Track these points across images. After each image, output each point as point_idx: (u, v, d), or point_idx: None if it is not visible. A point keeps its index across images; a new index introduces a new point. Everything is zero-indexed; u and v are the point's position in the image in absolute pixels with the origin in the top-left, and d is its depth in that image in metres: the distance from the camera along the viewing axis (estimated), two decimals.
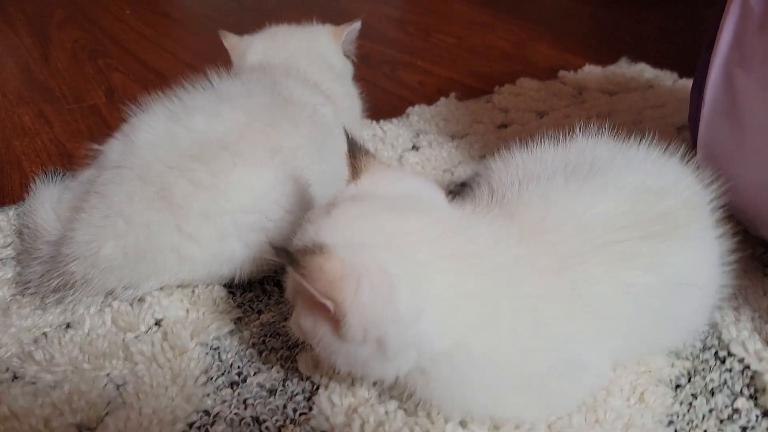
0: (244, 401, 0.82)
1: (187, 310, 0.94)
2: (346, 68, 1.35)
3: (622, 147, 0.88)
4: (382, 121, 1.51)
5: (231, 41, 1.29)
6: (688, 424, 0.78)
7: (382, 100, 1.69)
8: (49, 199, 1.06)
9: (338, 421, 0.78)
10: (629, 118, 1.52)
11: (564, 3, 2.73)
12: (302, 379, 0.85)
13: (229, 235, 0.93)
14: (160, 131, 0.95)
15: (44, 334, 0.91)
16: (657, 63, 1.85)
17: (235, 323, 0.94)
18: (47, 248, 0.94)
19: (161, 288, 0.97)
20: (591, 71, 1.84)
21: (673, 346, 0.86)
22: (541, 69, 1.89)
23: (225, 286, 1.00)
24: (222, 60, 1.20)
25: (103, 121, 1.58)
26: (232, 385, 0.84)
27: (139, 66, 1.98)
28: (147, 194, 0.90)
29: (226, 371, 0.86)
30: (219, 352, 0.89)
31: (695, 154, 0.90)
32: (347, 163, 0.77)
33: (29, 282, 0.94)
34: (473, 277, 0.67)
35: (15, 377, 0.84)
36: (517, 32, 2.29)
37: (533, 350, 0.69)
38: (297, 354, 0.88)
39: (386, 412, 0.79)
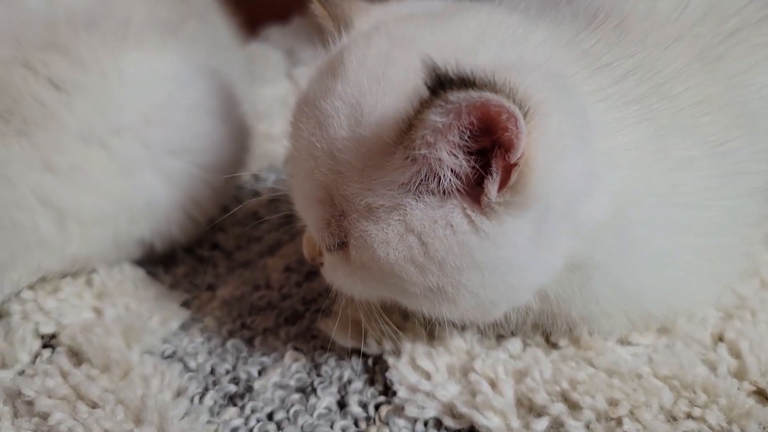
0: (270, 416, 0.47)
1: (96, 309, 0.54)
2: None
3: None
4: None
5: None
6: None
7: None
8: None
9: (451, 392, 0.46)
10: None
11: None
12: (343, 357, 0.52)
13: (137, 163, 0.55)
14: None
15: None
16: None
17: (185, 308, 0.56)
18: None
19: (32, 287, 0.55)
20: None
21: None
22: None
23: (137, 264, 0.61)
24: None
25: None
26: (233, 399, 0.48)
27: None
28: None
29: (212, 382, 0.50)
30: (182, 358, 0.51)
31: None
32: (322, 14, 0.53)
33: None
34: (620, 87, 0.45)
35: None
36: None
37: (715, 180, 0.48)
38: (312, 325, 0.54)
39: (512, 356, 0.49)
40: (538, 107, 0.34)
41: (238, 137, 0.64)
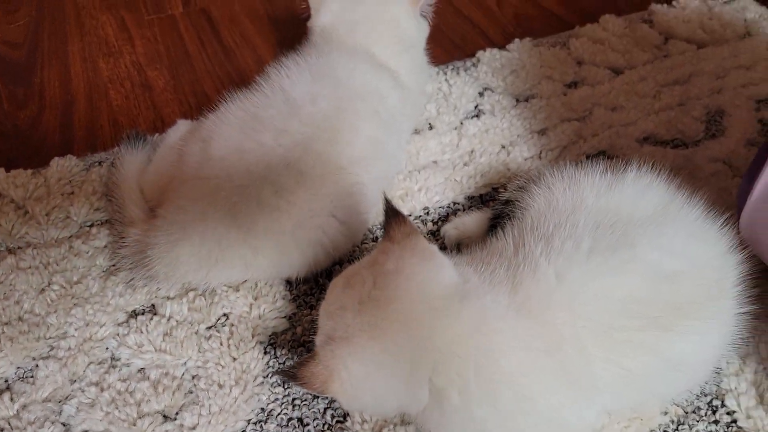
0: (293, 401, 0.99)
1: (251, 306, 1.09)
2: (420, 33, 1.31)
3: (663, 203, 0.89)
4: (449, 73, 1.50)
5: None
6: None
7: (452, 25, 1.65)
8: (133, 171, 1.19)
9: None
10: (709, 85, 1.46)
11: None
12: None
13: (288, 250, 1.05)
14: (233, 147, 1.05)
15: (134, 312, 1.09)
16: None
17: (289, 319, 1.09)
18: (134, 237, 1.09)
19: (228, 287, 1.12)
20: (687, 5, 1.70)
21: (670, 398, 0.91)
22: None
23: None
24: None
25: (180, 39, 1.63)
26: (284, 383, 1.02)
27: None
28: (218, 213, 1.02)
29: (280, 369, 1.03)
30: (275, 348, 1.06)
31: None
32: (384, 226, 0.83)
33: (121, 263, 1.10)
34: (443, 362, 0.73)
35: (113, 359, 1.04)
36: None
37: (513, 414, 0.73)
38: None
39: None
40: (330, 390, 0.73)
41: None
